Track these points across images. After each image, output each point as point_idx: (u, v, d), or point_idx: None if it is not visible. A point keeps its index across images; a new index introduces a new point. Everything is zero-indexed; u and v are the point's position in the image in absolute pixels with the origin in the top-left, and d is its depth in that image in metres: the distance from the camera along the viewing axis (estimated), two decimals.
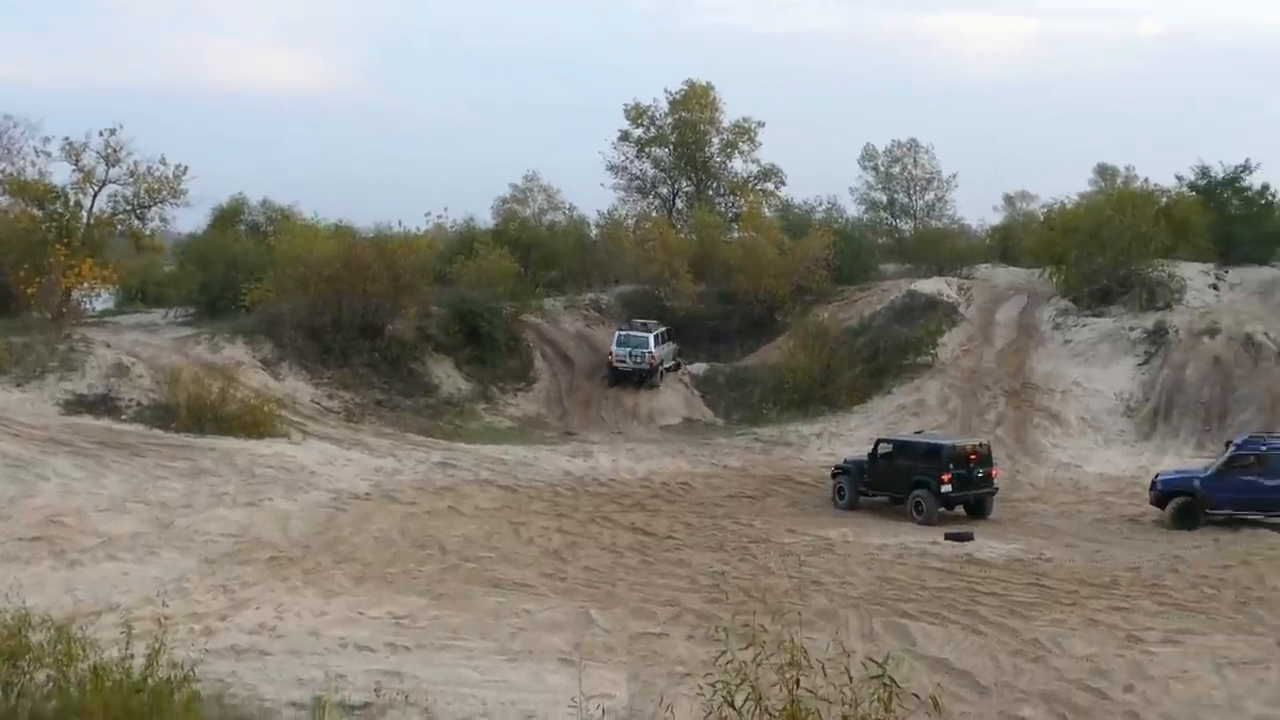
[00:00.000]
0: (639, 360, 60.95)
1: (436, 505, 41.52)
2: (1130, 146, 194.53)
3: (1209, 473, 41.32)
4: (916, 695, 14.97)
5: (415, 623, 28.64)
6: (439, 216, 76.13)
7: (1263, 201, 76.10)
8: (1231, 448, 42.45)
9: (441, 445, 51.53)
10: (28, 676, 18.15)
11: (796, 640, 13.67)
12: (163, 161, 62.50)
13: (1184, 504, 40.69)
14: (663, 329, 63.40)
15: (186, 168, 62.68)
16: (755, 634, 14.26)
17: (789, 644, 13.50)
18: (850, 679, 13.48)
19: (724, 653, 13.80)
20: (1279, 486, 40.18)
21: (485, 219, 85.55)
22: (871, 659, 13.91)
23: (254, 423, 48.66)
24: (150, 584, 30.17)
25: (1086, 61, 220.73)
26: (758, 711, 13.43)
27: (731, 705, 13.30)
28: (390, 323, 60.63)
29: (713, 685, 13.48)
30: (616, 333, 62.72)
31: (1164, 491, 41.46)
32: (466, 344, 62.18)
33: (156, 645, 18.01)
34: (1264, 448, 41.52)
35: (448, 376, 60.58)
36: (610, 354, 61.88)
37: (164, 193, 62.93)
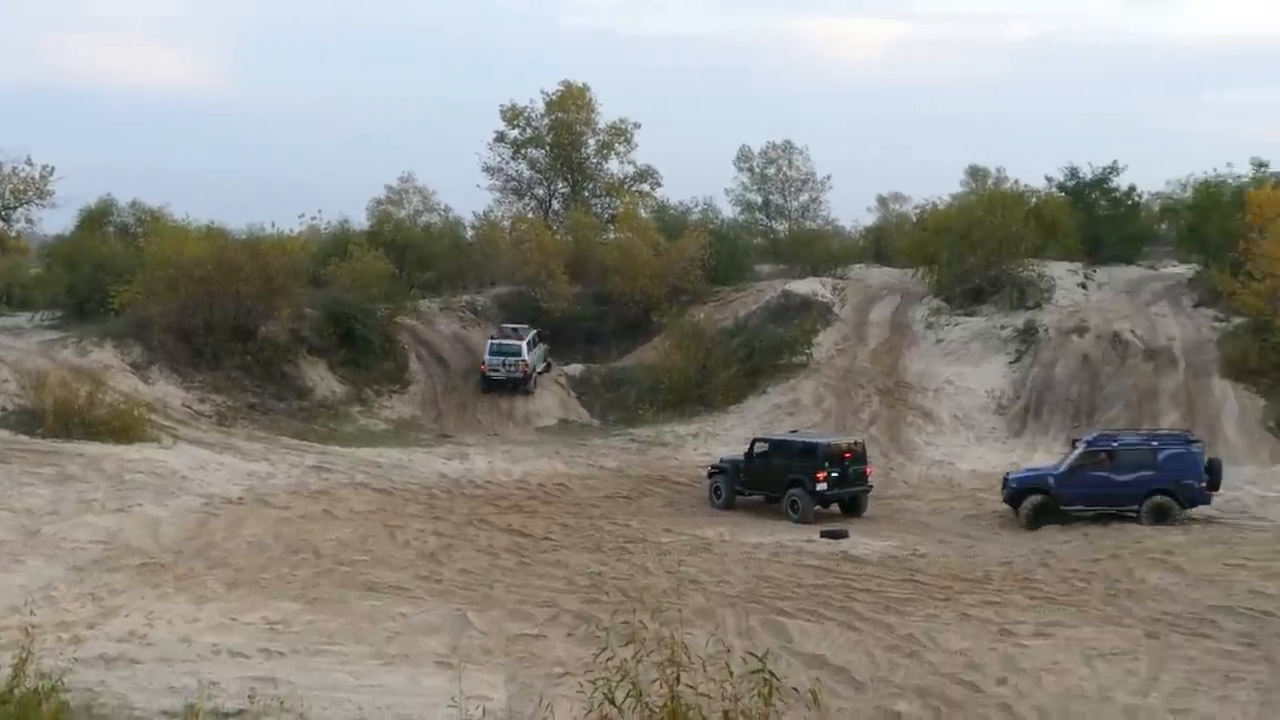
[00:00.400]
0: (512, 369, 60.64)
1: (311, 509, 41.10)
2: (1001, 148, 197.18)
3: (1061, 470, 41.74)
4: (796, 690, 14.99)
5: (289, 628, 28.30)
6: (312, 218, 75.67)
7: (1129, 202, 77.58)
8: (1080, 445, 43.02)
9: (316, 448, 51.04)
10: None
11: (677, 637, 13.63)
12: (29, 162, 61.58)
13: (1039, 503, 41.09)
14: (534, 333, 63.17)
15: (54, 168, 61.79)
16: (635, 632, 14.21)
17: (669, 641, 13.46)
18: (731, 674, 13.47)
19: (604, 650, 13.73)
20: (1130, 482, 40.73)
21: (360, 220, 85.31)
22: (752, 654, 13.89)
23: (123, 427, 47.87)
24: (16, 593, 29.49)
25: (959, 65, 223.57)
26: (638, 708, 13.38)
27: (612, 702, 13.24)
28: (263, 325, 59.98)
29: (593, 683, 13.42)
30: (489, 341, 62.15)
31: (1017, 490, 41.80)
32: (341, 346, 61.66)
33: (23, 655, 17.61)
34: (1114, 444, 42.12)
35: (322, 379, 60.03)
36: (483, 363, 61.40)
37: (30, 193, 62.02)
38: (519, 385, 60.91)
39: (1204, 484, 41.02)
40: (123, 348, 56.70)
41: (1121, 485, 40.81)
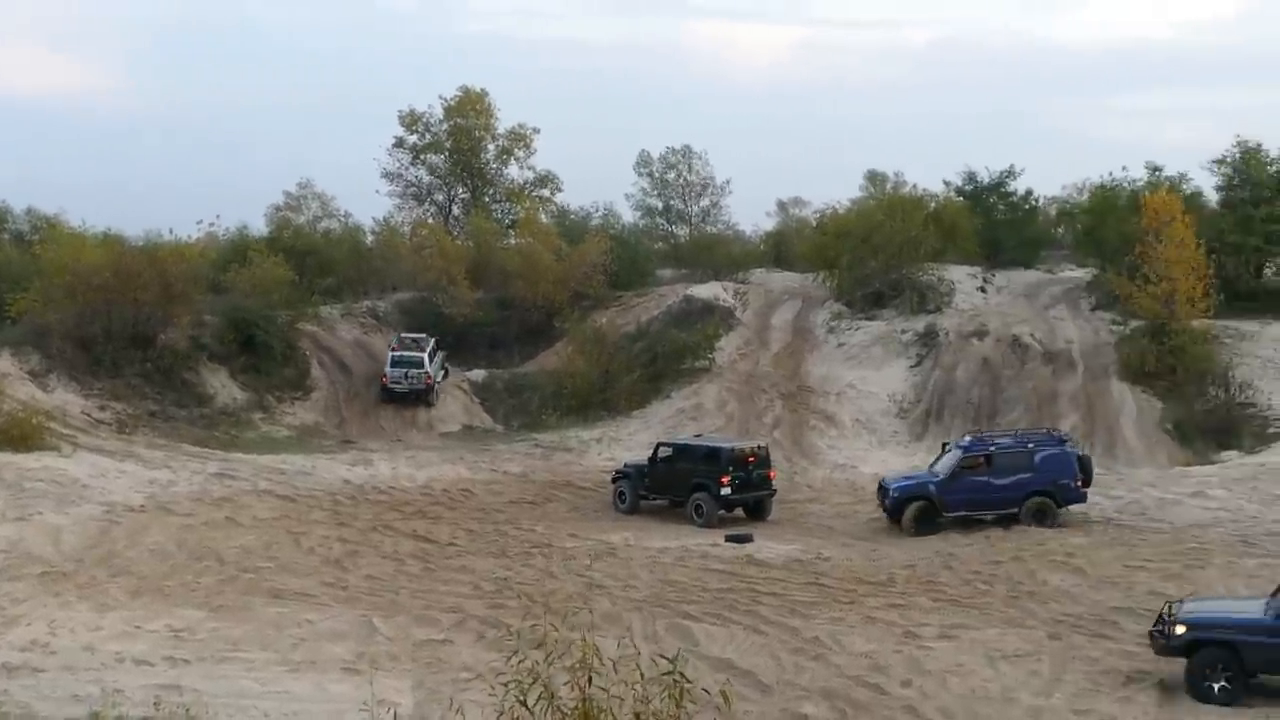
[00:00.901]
0: (414, 381, 60.08)
1: (214, 516, 40.83)
2: (900, 153, 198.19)
3: (943, 477, 41.63)
4: (707, 691, 15.13)
5: (194, 635, 28.20)
6: (210, 224, 75.25)
7: (1027, 206, 78.37)
8: (951, 449, 43.26)
9: (218, 455, 50.62)
10: None
11: (588, 639, 13.72)
12: None
13: (922, 508, 40.98)
14: (433, 341, 62.96)
15: None
16: (545, 636, 14.29)
17: (581, 643, 13.54)
18: (642, 677, 13.57)
19: (516, 653, 13.80)
20: (1009, 485, 40.94)
21: (259, 227, 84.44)
22: (663, 655, 14.01)
23: (21, 436, 47.25)
24: None
25: (856, 69, 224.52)
26: (550, 710, 13.45)
27: (525, 705, 13.30)
28: (163, 332, 59.40)
29: (505, 685, 13.48)
30: (390, 352, 61.46)
31: (900, 499, 41.43)
32: (241, 353, 61.18)
33: None
34: (992, 448, 42.21)
35: (223, 386, 59.56)
36: (384, 375, 60.69)
37: None
38: (421, 396, 60.50)
39: (1079, 482, 41.45)
40: (20, 355, 56.01)
41: (1001, 489, 40.94)
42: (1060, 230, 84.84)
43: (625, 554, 37.50)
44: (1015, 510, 40.67)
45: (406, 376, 59.82)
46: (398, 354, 60.72)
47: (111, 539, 37.32)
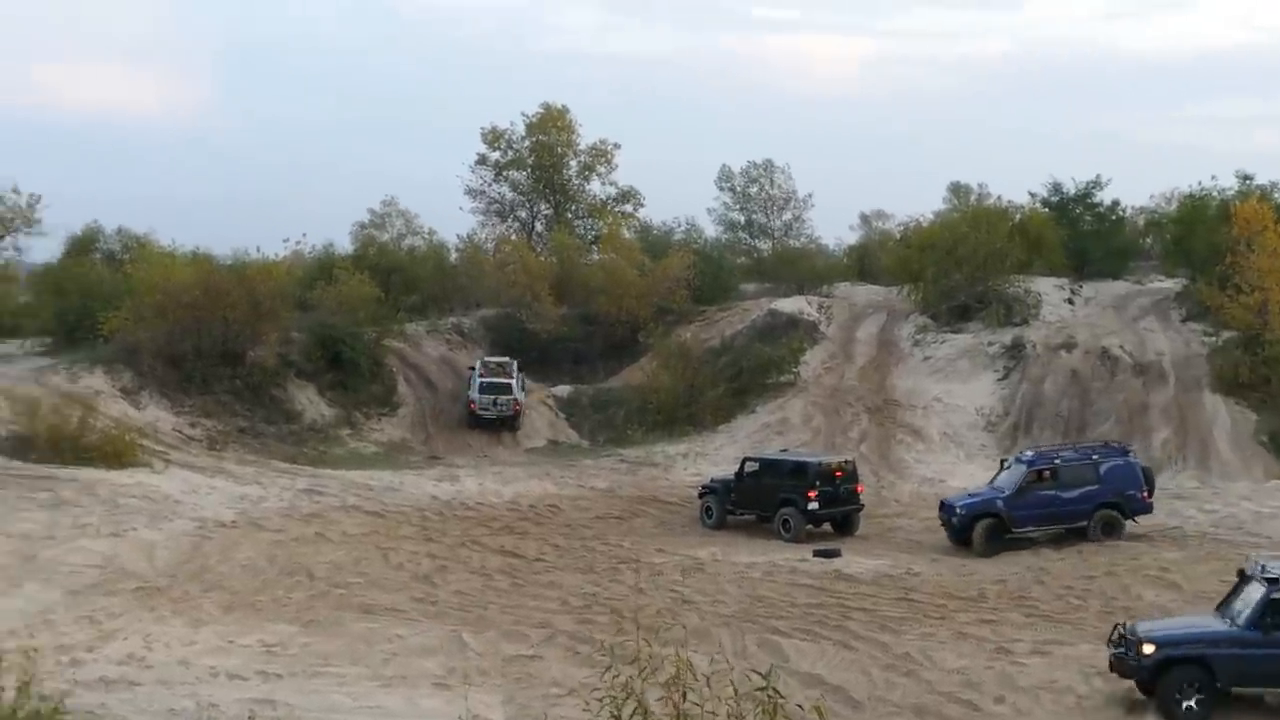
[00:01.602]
0: (503, 408, 59.77)
1: (303, 532, 41.15)
2: (983, 164, 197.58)
3: (1010, 492, 40.74)
4: (800, 707, 15.10)
5: (286, 650, 28.45)
6: (297, 242, 75.86)
7: (1114, 217, 77.55)
8: (1012, 464, 42.53)
9: (306, 472, 51.07)
10: None
11: (682, 655, 13.73)
12: (15, 190, 61.57)
13: (991, 526, 40.23)
14: (515, 364, 62.89)
15: (40, 196, 61.80)
16: (637, 652, 14.31)
17: (675, 658, 13.55)
18: (735, 692, 13.57)
19: (609, 668, 13.82)
20: (1076, 498, 40.47)
21: (344, 244, 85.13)
22: (756, 671, 13.99)
23: (115, 452, 47.89)
24: (15, 616, 29.68)
25: (936, 80, 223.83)
26: None
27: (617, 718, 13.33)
28: (251, 349, 59.95)
29: (599, 700, 13.51)
30: (477, 378, 60.68)
31: (969, 516, 40.61)
32: (329, 370, 61.67)
33: (25, 678, 17.68)
34: (1057, 460, 41.61)
35: (311, 403, 60.05)
36: (472, 401, 60.18)
37: (17, 222, 62.00)
38: (508, 422, 60.21)
39: (1145, 494, 40.99)
40: (113, 373, 56.71)
41: (1069, 502, 40.44)
42: (1149, 240, 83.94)
43: (713, 569, 37.45)
44: (1084, 524, 40.25)
45: (495, 403, 59.60)
46: (485, 380, 60.23)
47: (204, 554, 37.70)
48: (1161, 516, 43.36)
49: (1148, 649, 24.06)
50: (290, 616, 31.44)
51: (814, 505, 42.21)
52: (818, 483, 42.45)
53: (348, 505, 45.64)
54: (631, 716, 13.61)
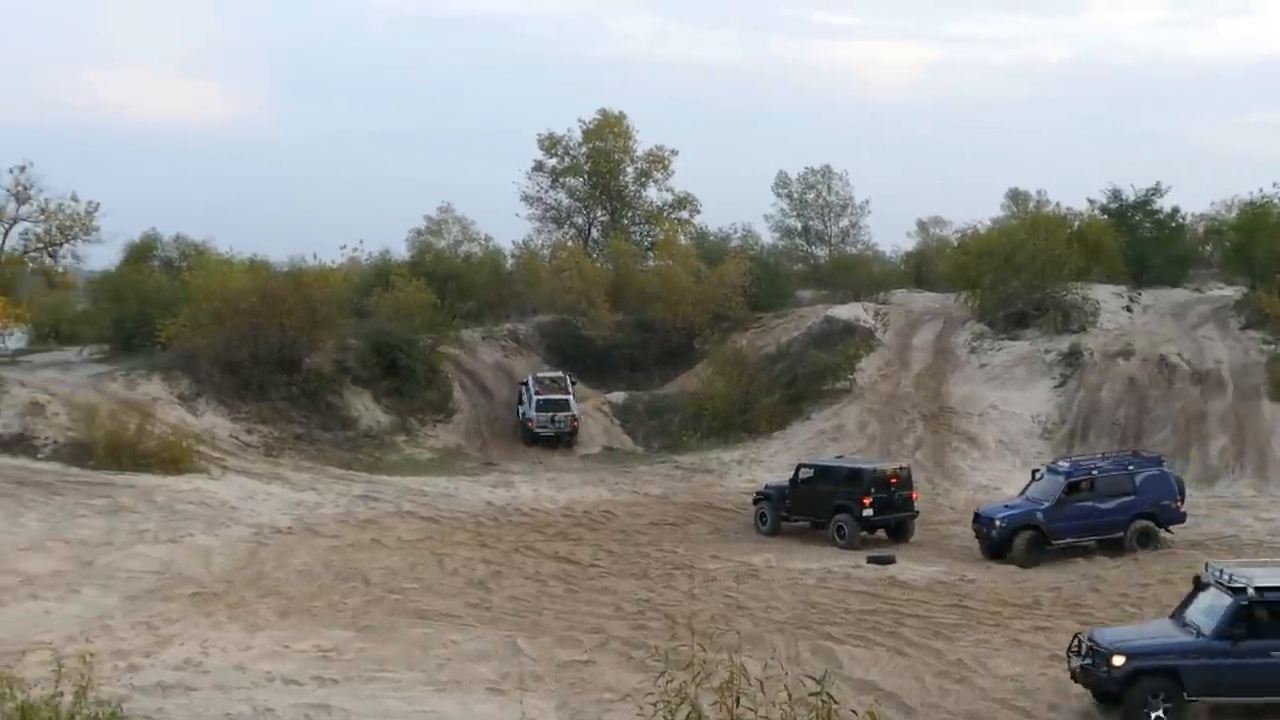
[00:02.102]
0: (561, 425, 59.45)
1: (359, 538, 41.34)
2: (1041, 171, 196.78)
3: (1050, 504, 39.82)
4: (854, 712, 15.08)
5: (342, 655, 28.55)
6: (354, 250, 76.30)
7: (1173, 224, 77.17)
8: (1044, 474, 41.84)
9: (362, 478, 51.33)
10: None
11: (736, 660, 13.74)
12: (74, 198, 62.10)
13: (1033, 538, 39.31)
14: (568, 377, 62.75)
15: (98, 204, 62.28)
16: (692, 657, 14.32)
17: (729, 663, 13.56)
18: (789, 698, 13.56)
19: (663, 674, 13.83)
20: (1114, 509, 39.94)
21: (400, 251, 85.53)
22: (809, 677, 13.98)
23: (172, 459, 48.32)
24: (73, 622, 29.95)
25: (991, 86, 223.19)
26: None
27: None
28: (308, 356, 60.29)
29: (654, 705, 13.53)
30: (534, 396, 59.93)
31: (1009, 528, 39.43)
32: (385, 376, 61.98)
33: (83, 682, 17.81)
34: (1094, 471, 41.02)
35: (366, 409, 60.32)
36: (530, 419, 59.60)
37: (76, 229, 62.53)
38: (566, 439, 59.80)
39: (1178, 503, 40.71)
40: (170, 380, 57.11)
41: (1106, 513, 39.90)
42: (1208, 248, 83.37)
43: (767, 575, 37.38)
44: (1120, 535, 39.73)
45: (554, 420, 59.27)
46: (543, 398, 59.65)
47: (260, 560, 37.91)
48: (1218, 525, 43.18)
49: (1118, 660, 23.67)
50: (345, 622, 31.56)
51: (868, 512, 42.07)
52: (872, 489, 42.33)
53: (403, 511, 45.83)
54: None
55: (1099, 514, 39.89)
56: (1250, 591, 23.95)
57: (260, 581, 35.50)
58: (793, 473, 45.23)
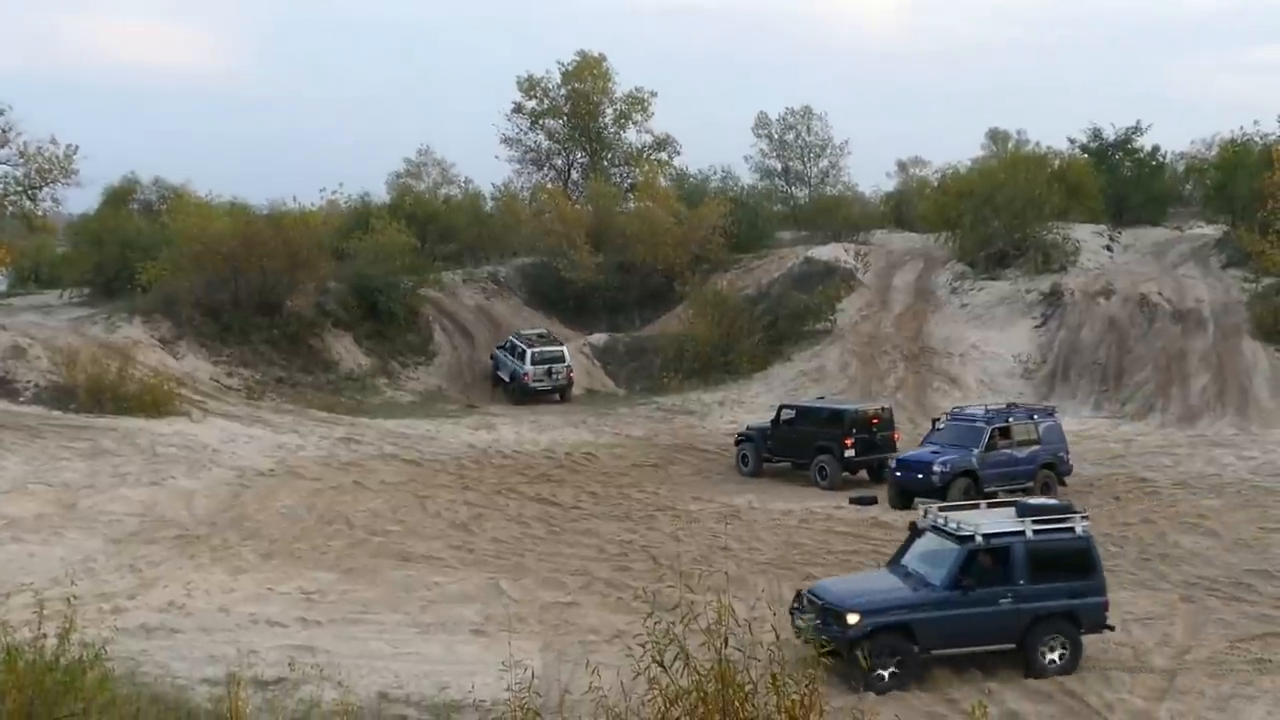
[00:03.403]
0: (558, 377, 58.68)
1: (341, 480, 41.31)
2: (1021, 112, 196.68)
3: (980, 450, 38.52)
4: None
5: (325, 597, 28.59)
6: (333, 193, 76.04)
7: (1154, 163, 77.18)
8: (948, 422, 40.69)
9: (344, 421, 51.25)
10: None
11: (724, 600, 13.77)
12: (53, 141, 61.52)
13: (968, 486, 37.60)
14: (549, 332, 62.54)
15: (77, 148, 61.72)
16: (680, 599, 14.33)
17: (717, 604, 13.59)
18: (777, 637, 13.60)
19: (650, 614, 13.85)
20: (1025, 458, 39.11)
21: (380, 194, 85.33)
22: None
23: (154, 402, 48.22)
24: (57, 565, 29.89)
25: (971, 28, 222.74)
26: (687, 671, 13.50)
27: (661, 665, 13.37)
28: (288, 299, 60.15)
29: (641, 646, 13.55)
30: (530, 350, 58.48)
31: (949, 474, 37.85)
32: (365, 319, 61.95)
33: (67, 625, 17.80)
34: (1010, 419, 39.96)
35: (347, 352, 60.25)
36: (526, 374, 58.20)
37: (55, 173, 61.85)
38: (563, 392, 59.13)
39: (1068, 455, 40.24)
40: (151, 323, 56.96)
41: (1020, 461, 39.11)
42: (1189, 187, 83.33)
43: (749, 517, 37.45)
44: (1029, 484, 38.70)
45: (550, 374, 58.52)
46: (538, 350, 58.67)
47: (242, 503, 37.88)
48: (1199, 464, 43.22)
49: (853, 619, 22.93)
50: (329, 564, 31.59)
51: (850, 453, 42.19)
52: (854, 430, 42.42)
53: (385, 454, 45.79)
54: (674, 661, 13.67)
55: (1016, 462, 39.01)
56: (978, 539, 23.82)
57: (243, 524, 35.47)
58: (774, 414, 45.23)
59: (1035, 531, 24.10)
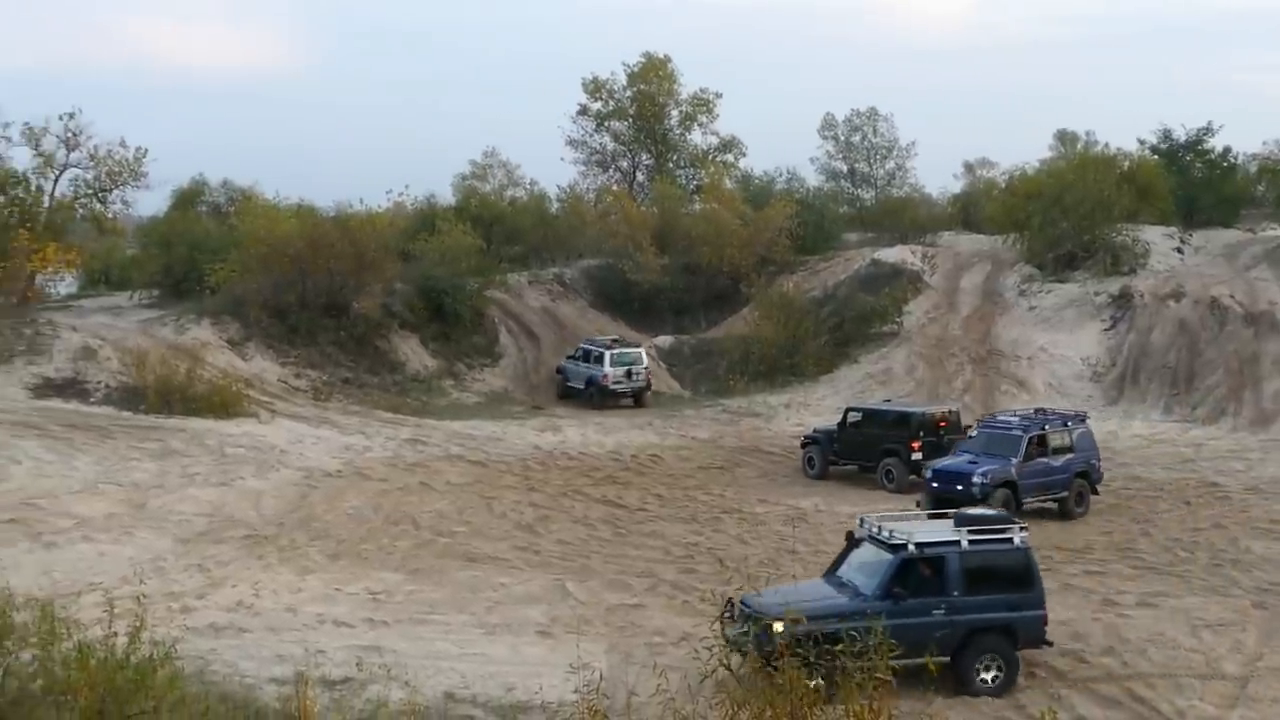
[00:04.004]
0: (637, 379, 57.95)
1: (408, 481, 41.42)
2: (1090, 112, 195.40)
3: (1018, 459, 37.50)
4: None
5: (392, 598, 28.69)
6: (400, 194, 76.39)
7: (1225, 164, 76.33)
8: (981, 430, 39.98)
9: (410, 422, 51.39)
10: (13, 656, 18.09)
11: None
12: (122, 144, 62.25)
13: (1007, 497, 36.51)
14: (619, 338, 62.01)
15: (146, 150, 62.42)
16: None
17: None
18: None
19: (719, 617, 13.82)
20: (1060, 467, 38.17)
21: (446, 196, 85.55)
22: None
23: (222, 403, 48.52)
24: (126, 564, 30.11)
25: (1040, 28, 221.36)
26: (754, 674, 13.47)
27: (727, 667, 13.34)
28: (355, 301, 60.33)
29: (709, 649, 13.54)
30: (606, 352, 57.67)
31: (988, 485, 36.61)
32: (432, 321, 62.06)
33: (137, 624, 17.97)
34: (1046, 426, 38.99)
35: (414, 353, 60.43)
36: (604, 375, 57.27)
37: (125, 175, 62.67)
38: (640, 396, 58.34)
39: (1100, 463, 39.35)
40: (219, 325, 57.30)
41: (1056, 470, 38.12)
42: (1261, 188, 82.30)
43: (816, 519, 37.35)
44: (1065, 495, 38.07)
45: (630, 375, 57.77)
46: (618, 352, 58.00)
47: (310, 504, 38.04)
48: (1273, 469, 42.83)
49: (779, 628, 20.71)
50: (395, 565, 31.70)
51: (917, 455, 41.92)
52: (921, 433, 42.25)
53: (451, 455, 45.88)
54: (740, 667, 13.64)
55: (1053, 471, 38.09)
56: (911, 548, 23.52)
57: (310, 524, 35.64)
58: (841, 416, 45.11)
59: (971, 542, 23.75)
